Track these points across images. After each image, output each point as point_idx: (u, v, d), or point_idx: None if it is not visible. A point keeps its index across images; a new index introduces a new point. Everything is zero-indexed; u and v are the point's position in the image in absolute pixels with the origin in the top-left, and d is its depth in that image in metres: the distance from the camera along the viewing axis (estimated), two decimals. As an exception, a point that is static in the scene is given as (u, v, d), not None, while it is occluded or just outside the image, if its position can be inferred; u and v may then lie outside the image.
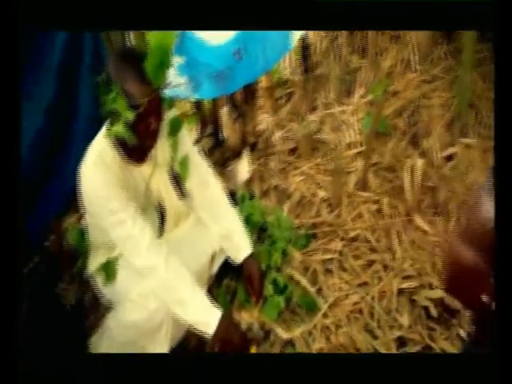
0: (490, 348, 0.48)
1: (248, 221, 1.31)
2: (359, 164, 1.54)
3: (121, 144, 0.95)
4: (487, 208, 0.47)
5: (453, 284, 0.53)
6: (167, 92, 0.93)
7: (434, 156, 1.52)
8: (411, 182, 1.41)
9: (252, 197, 1.46)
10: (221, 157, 1.64)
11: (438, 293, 1.11)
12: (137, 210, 0.95)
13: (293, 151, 1.66)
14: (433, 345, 1.03)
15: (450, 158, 1.52)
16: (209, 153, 1.64)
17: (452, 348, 1.01)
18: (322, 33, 2.03)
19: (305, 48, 1.96)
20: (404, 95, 1.79)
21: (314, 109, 1.84)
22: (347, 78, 1.92)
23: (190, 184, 1.09)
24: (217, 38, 1.21)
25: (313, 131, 1.69)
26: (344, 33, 1.97)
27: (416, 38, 1.87)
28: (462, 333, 1.04)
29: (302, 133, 1.68)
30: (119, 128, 0.86)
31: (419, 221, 1.31)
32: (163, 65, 0.85)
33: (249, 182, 1.53)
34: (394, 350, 1.03)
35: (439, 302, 1.11)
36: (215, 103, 1.69)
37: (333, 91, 1.90)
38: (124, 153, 0.96)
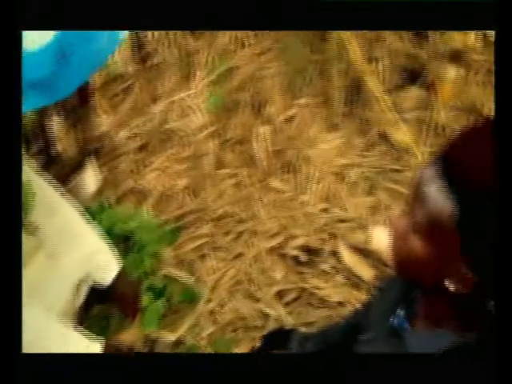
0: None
1: (111, 233, 1.31)
2: (213, 144, 1.67)
3: None
4: (435, 198, 0.48)
5: (411, 276, 0.54)
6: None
7: (277, 121, 1.76)
8: (262, 149, 1.61)
9: (109, 206, 1.45)
10: (61, 172, 1.56)
11: (301, 240, 1.34)
12: None
13: (143, 147, 1.70)
14: (305, 285, 1.25)
15: (290, 119, 1.78)
16: (45, 171, 1.54)
17: (321, 282, 1.24)
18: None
19: (138, 37, 1.98)
20: (243, 70, 2.00)
21: (157, 99, 1.90)
22: (186, 62, 2.02)
23: (34, 215, 1.01)
24: (33, 44, 1.15)
25: (160, 122, 1.76)
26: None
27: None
28: (325, 266, 1.29)
29: (149, 126, 1.72)
30: None
31: (275, 183, 1.53)
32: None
33: (101, 191, 1.51)
34: (275, 305, 1.20)
35: (305, 248, 1.34)
36: (42, 114, 1.58)
37: (173, 77, 1.98)
38: None
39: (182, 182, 1.55)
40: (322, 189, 1.51)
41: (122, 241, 1.34)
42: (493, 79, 1.88)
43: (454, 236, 0.47)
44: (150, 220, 1.39)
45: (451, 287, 0.49)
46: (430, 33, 1.93)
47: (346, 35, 1.70)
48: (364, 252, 1.33)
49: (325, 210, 1.46)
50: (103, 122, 1.77)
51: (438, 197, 0.47)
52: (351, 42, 1.73)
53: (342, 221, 1.42)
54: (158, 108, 1.85)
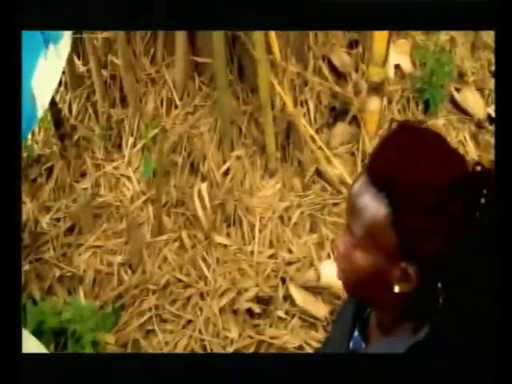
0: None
1: (40, 330, 1.25)
2: (149, 211, 1.71)
3: None
4: (368, 206, 0.53)
5: (360, 292, 0.59)
6: None
7: (213, 176, 1.85)
8: (202, 207, 1.67)
9: (34, 302, 1.40)
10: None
11: (253, 291, 1.36)
12: None
13: (71, 229, 1.68)
14: (263, 338, 1.24)
15: (227, 172, 1.88)
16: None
17: (277, 330, 1.25)
18: (71, 95, 2.17)
19: (56, 114, 2.05)
20: (174, 132, 2.11)
21: (82, 175, 1.93)
22: (112, 133, 2.10)
23: None
24: None
25: (90, 198, 1.77)
26: (98, 88, 2.16)
27: (171, 76, 2.25)
28: (280, 313, 1.31)
29: (77, 204, 1.73)
30: None
31: (218, 238, 1.57)
32: None
33: (25, 286, 1.46)
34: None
35: (257, 299, 1.36)
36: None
37: (99, 150, 2.04)
38: None
39: (118, 258, 1.54)
40: (267, 235, 1.58)
41: (57, 335, 1.28)
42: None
43: (391, 237, 0.53)
44: (84, 307, 1.35)
45: (398, 289, 0.55)
46: (352, 72, 2.21)
47: (272, 81, 1.89)
48: (315, 290, 1.37)
49: (272, 256, 1.51)
50: (24, 209, 1.76)
51: (371, 204, 0.54)
52: (279, 89, 1.92)
53: (290, 263, 1.47)
54: (86, 184, 1.87)
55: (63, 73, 2.15)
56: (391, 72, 2.20)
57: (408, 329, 0.58)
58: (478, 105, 2.14)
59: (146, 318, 1.34)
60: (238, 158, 1.95)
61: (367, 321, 0.65)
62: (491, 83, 2.33)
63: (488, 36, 2.74)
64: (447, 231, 0.52)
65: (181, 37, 1.93)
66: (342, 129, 1.99)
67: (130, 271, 1.49)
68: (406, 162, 0.53)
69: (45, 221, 1.71)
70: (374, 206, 0.54)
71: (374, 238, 0.54)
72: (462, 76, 2.29)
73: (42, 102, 1.57)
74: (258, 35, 1.67)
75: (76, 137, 2.08)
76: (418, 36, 2.44)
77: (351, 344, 0.65)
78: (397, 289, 0.55)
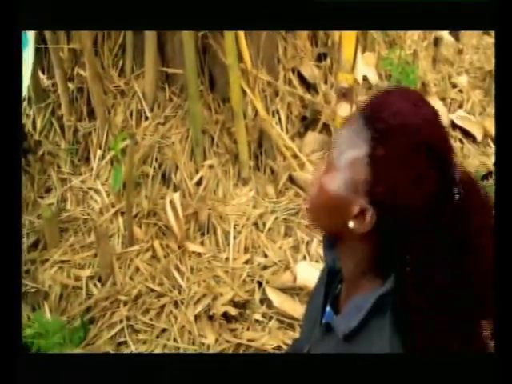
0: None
1: None
2: (119, 223, 1.70)
3: None
4: (351, 136, 0.58)
5: (319, 219, 0.63)
6: None
7: (186, 186, 1.86)
8: (174, 216, 1.67)
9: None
10: None
11: (229, 296, 1.37)
12: None
13: (35, 245, 1.65)
14: (240, 341, 1.25)
15: (199, 182, 1.90)
16: None
17: (254, 334, 1.26)
18: (35, 109, 2.15)
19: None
20: (144, 143, 2.12)
21: (47, 191, 1.90)
22: (79, 146, 2.09)
23: None
24: None
25: (54, 213, 1.74)
26: (64, 101, 2.14)
27: (140, 87, 2.26)
28: (257, 316, 1.32)
29: (42, 220, 1.69)
30: None
31: (192, 247, 1.57)
32: None
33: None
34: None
35: (233, 304, 1.37)
36: None
37: (65, 165, 2.02)
38: None
39: (87, 271, 1.52)
40: (242, 241, 1.60)
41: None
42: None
43: (365, 173, 0.57)
44: (50, 322, 1.32)
45: (352, 225, 0.59)
46: (321, 84, 2.30)
47: (244, 88, 1.94)
48: (292, 291, 1.40)
49: (247, 262, 1.53)
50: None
51: (355, 138, 0.58)
52: (250, 95, 1.97)
53: (266, 267, 1.49)
54: (51, 199, 1.84)
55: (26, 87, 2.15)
56: (360, 79, 2.31)
57: (374, 285, 0.61)
58: (442, 113, 2.28)
59: (117, 329, 1.32)
60: (211, 167, 1.97)
61: (338, 296, 0.69)
62: (452, 93, 2.49)
63: (448, 50, 2.94)
64: (417, 182, 0.55)
65: (150, 48, 1.96)
66: (312, 137, 2.06)
67: (99, 284, 1.47)
68: (391, 104, 0.58)
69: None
70: (357, 140, 0.58)
71: (350, 169, 0.59)
72: (425, 87, 2.44)
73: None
74: (229, 42, 1.72)
75: (40, 152, 2.05)
76: (383, 50, 2.60)
77: (324, 318, 0.68)
78: (351, 224, 0.59)
